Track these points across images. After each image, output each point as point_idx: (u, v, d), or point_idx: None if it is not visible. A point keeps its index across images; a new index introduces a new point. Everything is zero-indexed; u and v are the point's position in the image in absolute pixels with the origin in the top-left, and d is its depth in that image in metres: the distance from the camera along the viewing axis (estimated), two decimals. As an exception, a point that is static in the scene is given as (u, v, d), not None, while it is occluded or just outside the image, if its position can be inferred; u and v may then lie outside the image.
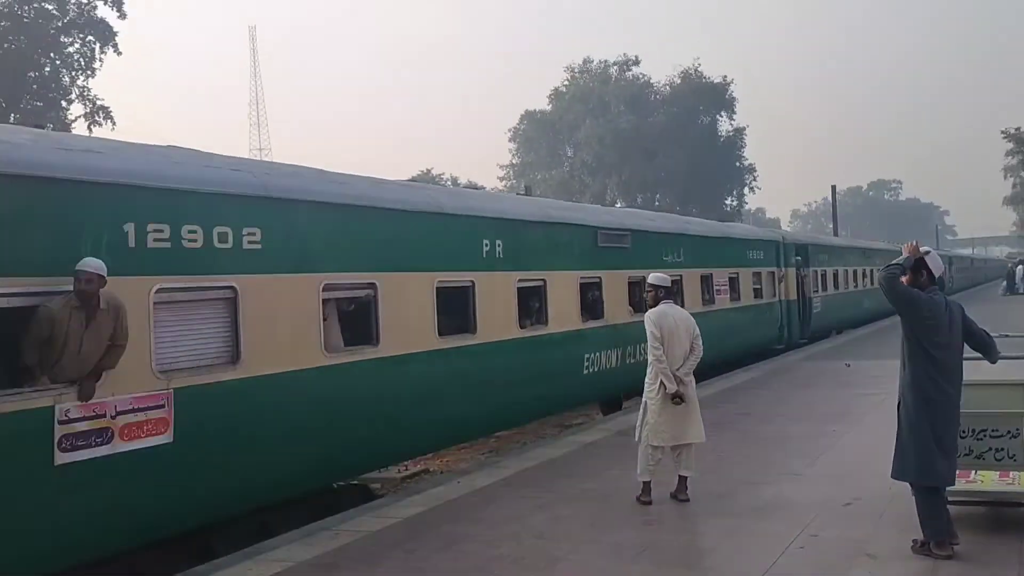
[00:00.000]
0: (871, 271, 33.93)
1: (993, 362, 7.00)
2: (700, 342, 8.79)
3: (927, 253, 6.87)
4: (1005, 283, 51.09)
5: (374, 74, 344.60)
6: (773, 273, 23.17)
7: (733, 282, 20.22)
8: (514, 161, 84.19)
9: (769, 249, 23.28)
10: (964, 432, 6.94)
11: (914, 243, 7.00)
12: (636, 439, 8.67)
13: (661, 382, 8.46)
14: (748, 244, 22.00)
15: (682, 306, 11.37)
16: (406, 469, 12.91)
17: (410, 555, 7.24)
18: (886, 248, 39.76)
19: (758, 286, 22.01)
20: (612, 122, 75.19)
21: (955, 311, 6.72)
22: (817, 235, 36.57)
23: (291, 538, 7.95)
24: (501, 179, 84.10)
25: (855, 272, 32.98)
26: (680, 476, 8.63)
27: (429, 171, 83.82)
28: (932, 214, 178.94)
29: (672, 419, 8.50)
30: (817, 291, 27.12)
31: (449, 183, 75.13)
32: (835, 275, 29.68)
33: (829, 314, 28.36)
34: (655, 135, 74.23)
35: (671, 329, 8.61)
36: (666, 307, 8.79)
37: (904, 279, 6.83)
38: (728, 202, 79.69)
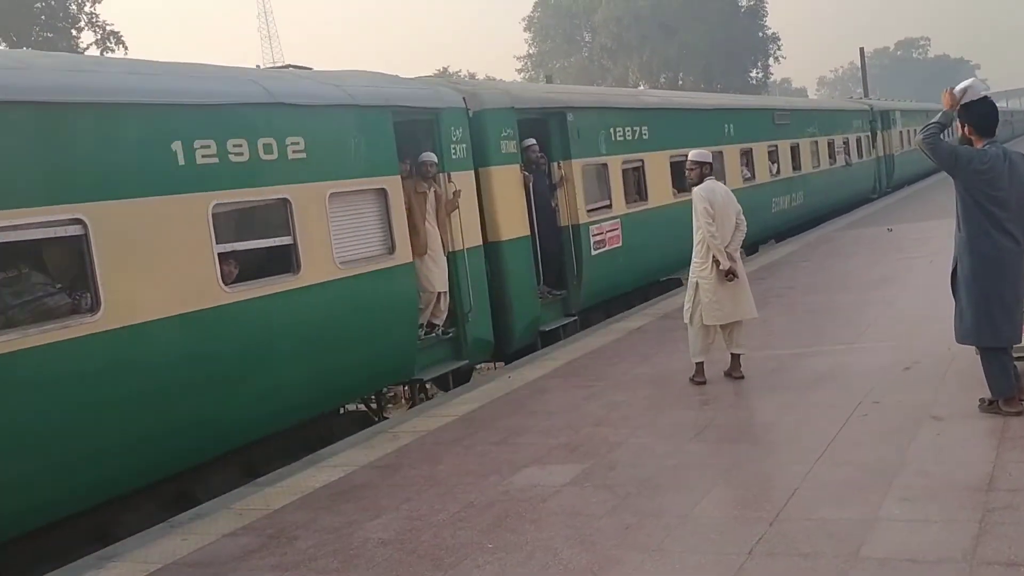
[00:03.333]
0: (776, 149, 20.37)
1: None
2: (743, 217, 8.60)
3: (963, 91, 6.43)
4: None
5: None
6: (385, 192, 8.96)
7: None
8: (531, 51, 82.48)
9: (364, 124, 8.77)
10: (1030, 286, 6.71)
11: (950, 89, 6.56)
12: (687, 320, 8.55)
13: (714, 259, 8.29)
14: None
15: None
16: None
17: (469, 451, 7.27)
18: (770, 105, 23.04)
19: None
20: (629, 1, 73.00)
21: (1016, 161, 6.41)
22: (604, 88, 20.76)
23: (351, 443, 8.02)
24: (519, 71, 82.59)
25: (748, 154, 18.66)
26: (732, 354, 8.54)
27: (446, 68, 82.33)
28: (963, 69, 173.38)
29: (726, 297, 8.35)
30: (594, 209, 12.67)
31: (467, 78, 73.75)
32: (663, 169, 14.79)
33: (637, 258, 13.64)
34: (674, 11, 72.01)
35: (722, 206, 8.39)
36: (713, 183, 8.56)
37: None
38: (753, 74, 77.68)
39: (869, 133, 28.95)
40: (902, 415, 6.76)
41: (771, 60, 79.60)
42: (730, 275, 8.30)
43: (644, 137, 14.23)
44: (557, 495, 6.04)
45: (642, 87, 66.79)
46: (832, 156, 24.68)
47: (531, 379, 9.52)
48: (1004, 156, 6.41)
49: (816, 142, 23.29)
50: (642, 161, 14.15)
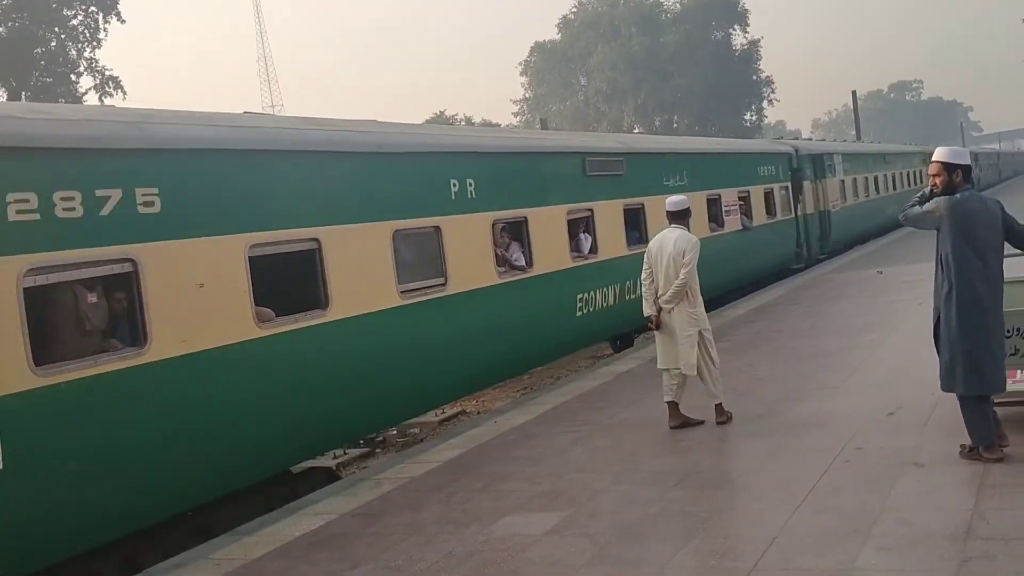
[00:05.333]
0: (590, 215, 13.13)
1: None
2: (686, 269, 8.31)
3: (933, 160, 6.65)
4: None
5: (379, 19, 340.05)
6: None
7: None
8: (527, 95, 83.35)
9: None
10: (1009, 332, 6.75)
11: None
12: None
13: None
14: None
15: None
16: (443, 412, 12.94)
17: (451, 498, 7.23)
18: (575, 146, 14.26)
19: None
20: (624, 46, 73.98)
21: (993, 208, 6.48)
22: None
23: (334, 490, 7.99)
24: (515, 114, 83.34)
25: (519, 228, 11.66)
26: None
27: (443, 112, 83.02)
28: (956, 111, 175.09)
29: (661, 344, 8.57)
30: None
31: (463, 123, 74.38)
32: None
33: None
34: (669, 55, 72.97)
35: (656, 254, 8.53)
36: (664, 232, 8.69)
37: (938, 180, 6.59)
38: (747, 117, 78.46)
39: (789, 184, 21.93)
40: (884, 461, 6.75)
41: (765, 103, 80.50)
42: (649, 323, 8.60)
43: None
44: (537, 544, 6.00)
45: (636, 130, 67.41)
46: (715, 219, 17.30)
47: (517, 424, 9.49)
48: (983, 202, 6.50)
49: None
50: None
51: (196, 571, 6.25)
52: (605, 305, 13.13)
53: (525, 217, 11.55)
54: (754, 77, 78.91)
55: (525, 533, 6.22)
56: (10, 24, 46.30)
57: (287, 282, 8.46)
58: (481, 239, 10.70)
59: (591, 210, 13.08)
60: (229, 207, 7.65)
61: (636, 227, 14.29)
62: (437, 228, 9.99)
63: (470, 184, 10.54)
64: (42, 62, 48.08)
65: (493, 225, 10.93)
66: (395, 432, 12.23)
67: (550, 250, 12.00)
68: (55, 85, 47.58)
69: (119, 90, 50.35)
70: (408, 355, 9.31)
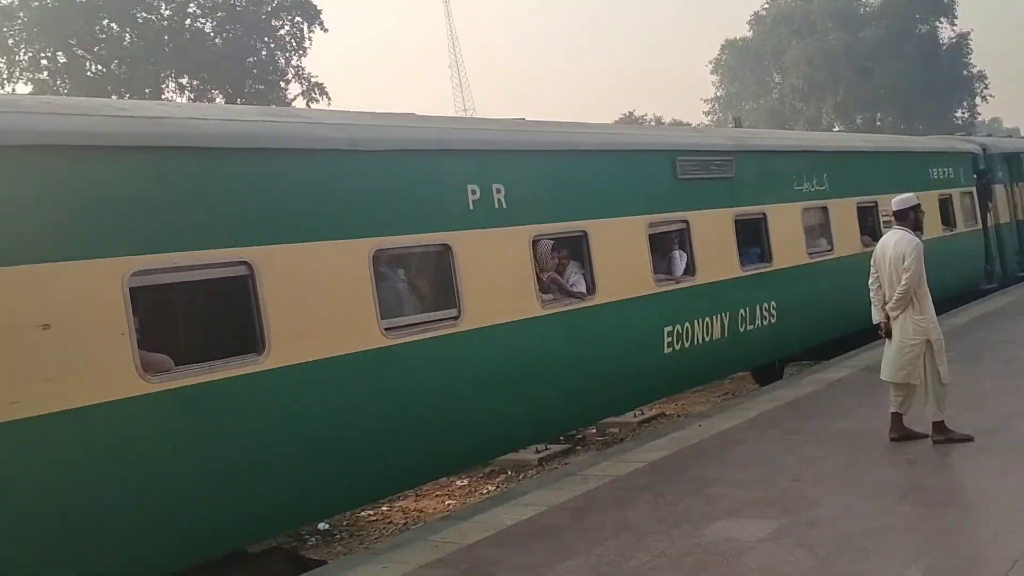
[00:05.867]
0: (685, 229, 10.60)
1: None
2: (907, 274, 7.84)
3: None
4: None
5: (568, 23, 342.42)
6: None
7: None
8: (718, 94, 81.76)
9: None
10: None
11: None
12: None
13: None
14: None
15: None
16: (641, 413, 12.88)
17: (660, 499, 7.19)
18: (657, 141, 11.54)
19: None
20: (820, 41, 71.10)
21: None
22: None
23: (541, 482, 8.12)
24: (706, 113, 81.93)
25: (578, 243, 9.27)
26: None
27: (631, 113, 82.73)
28: None
29: (886, 352, 8.20)
30: None
31: (652, 123, 73.84)
32: None
33: None
34: (869, 51, 69.49)
35: (880, 258, 8.16)
36: (887, 235, 8.33)
37: None
38: (958, 114, 73.71)
39: (973, 189, 18.42)
40: None
41: (978, 99, 75.40)
42: (879, 329, 8.25)
43: None
44: (753, 551, 5.88)
45: (836, 128, 64.79)
46: (870, 232, 13.97)
47: (723, 429, 9.32)
48: None
49: (823, 209, 13.32)
50: None
51: (416, 551, 6.50)
52: (708, 339, 10.53)
53: (584, 231, 9.21)
54: (964, 72, 74.04)
55: (739, 539, 6.11)
56: (225, 35, 49.80)
57: (200, 321, 6.87)
58: (514, 259, 8.39)
59: (686, 221, 10.57)
60: (97, 223, 5.70)
61: (756, 242, 11.76)
62: (446, 246, 7.79)
63: (497, 191, 8.27)
64: (254, 70, 51.38)
65: (534, 242, 8.64)
66: (595, 431, 12.33)
67: (622, 272, 9.58)
68: (267, 92, 50.77)
69: (324, 96, 53.15)
70: (396, 412, 7.14)
